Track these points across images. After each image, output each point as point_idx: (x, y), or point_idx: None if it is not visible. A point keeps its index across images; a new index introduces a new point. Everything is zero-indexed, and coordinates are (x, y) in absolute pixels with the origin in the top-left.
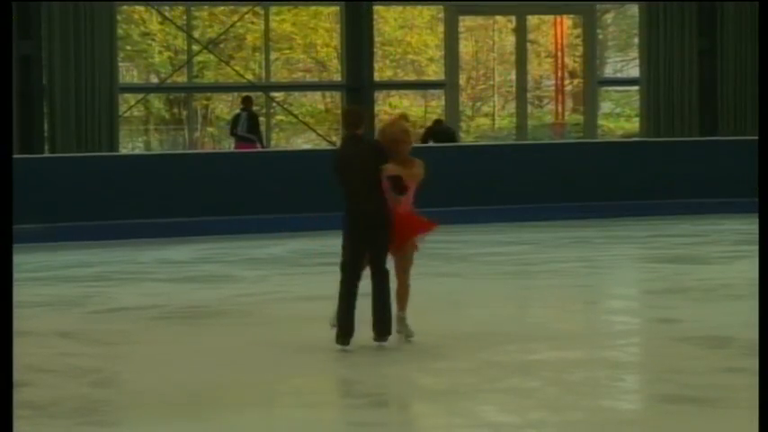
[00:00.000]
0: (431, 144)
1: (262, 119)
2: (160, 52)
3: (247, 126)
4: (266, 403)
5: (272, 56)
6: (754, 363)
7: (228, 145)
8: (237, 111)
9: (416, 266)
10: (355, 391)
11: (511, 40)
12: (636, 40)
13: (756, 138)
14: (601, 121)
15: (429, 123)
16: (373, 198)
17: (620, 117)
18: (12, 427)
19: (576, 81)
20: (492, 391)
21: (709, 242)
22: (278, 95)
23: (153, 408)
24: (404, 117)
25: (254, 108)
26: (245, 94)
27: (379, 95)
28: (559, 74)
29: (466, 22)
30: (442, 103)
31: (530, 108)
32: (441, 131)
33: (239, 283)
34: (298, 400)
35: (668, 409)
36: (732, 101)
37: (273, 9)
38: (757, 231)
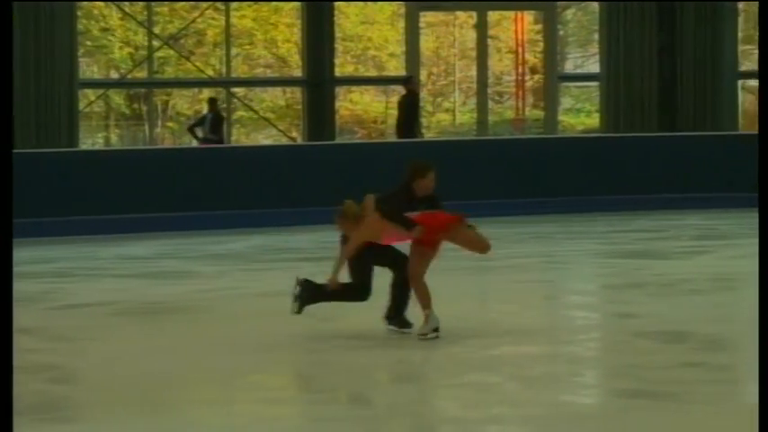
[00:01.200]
0: (391, 139)
1: (224, 114)
2: (120, 48)
3: (210, 127)
4: (225, 399)
5: (233, 51)
6: (711, 357)
7: (189, 140)
8: (204, 112)
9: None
10: (315, 386)
11: (472, 35)
12: (596, 36)
13: (715, 134)
14: (561, 117)
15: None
16: None
17: (580, 113)
18: (12, 427)
19: (536, 77)
20: (452, 387)
21: (667, 237)
22: (238, 91)
23: (112, 404)
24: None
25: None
26: (210, 95)
27: (340, 91)
28: (520, 69)
29: (427, 17)
30: None
31: (490, 104)
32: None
33: (198, 279)
34: (257, 396)
35: (627, 403)
36: (691, 97)
37: (234, 5)
38: (720, 226)
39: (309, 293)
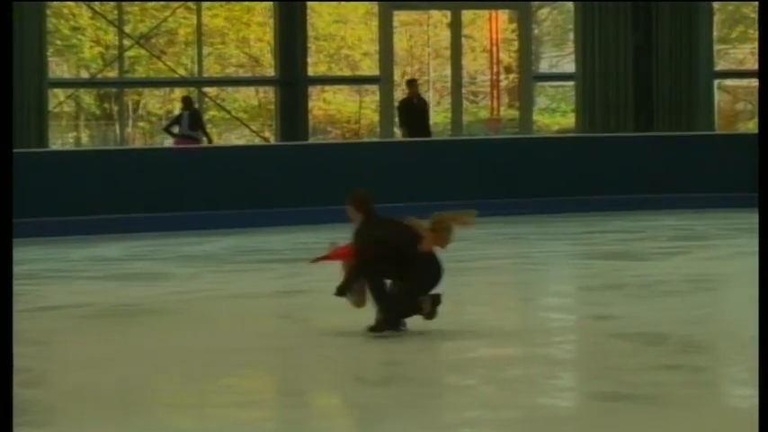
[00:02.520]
0: (365, 140)
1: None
2: (91, 47)
3: (188, 124)
4: (198, 403)
5: (205, 51)
6: (689, 359)
7: (160, 141)
8: (179, 111)
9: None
10: (288, 389)
11: (446, 34)
12: (571, 36)
13: (691, 133)
14: (536, 117)
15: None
16: None
17: (555, 112)
18: (12, 427)
19: (511, 76)
20: (427, 389)
21: (644, 238)
22: (210, 91)
23: (83, 408)
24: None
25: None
26: (183, 94)
27: (313, 90)
28: (495, 69)
29: (400, 16)
30: (377, 98)
31: (465, 103)
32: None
33: (171, 281)
34: (230, 400)
35: (604, 406)
36: (667, 97)
37: (205, 4)
38: (697, 227)
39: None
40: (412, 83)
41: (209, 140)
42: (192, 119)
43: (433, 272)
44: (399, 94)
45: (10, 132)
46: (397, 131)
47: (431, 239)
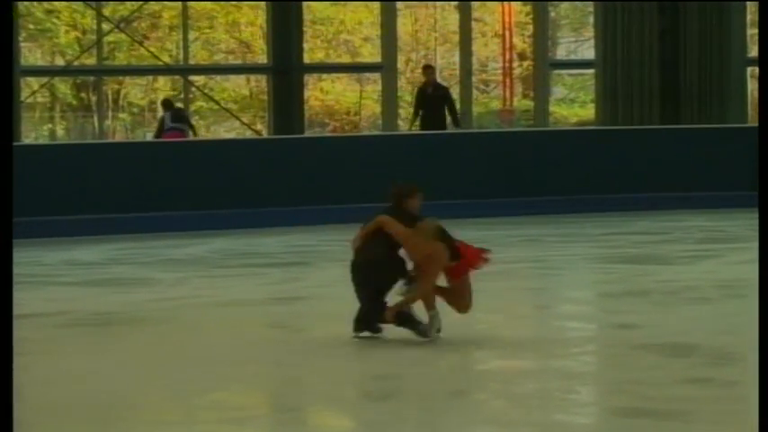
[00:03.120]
0: (366, 133)
1: (179, 104)
2: (66, 32)
3: (172, 118)
4: (185, 420)
5: (191, 36)
6: (719, 372)
7: (143, 134)
8: (161, 114)
9: (349, 268)
10: (281, 404)
11: (454, 18)
12: (591, 19)
13: (722, 126)
14: (553, 108)
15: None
16: None
17: (573, 103)
18: (12, 427)
19: (525, 64)
20: (434, 404)
21: (670, 240)
22: (197, 80)
23: (61, 426)
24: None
25: (176, 100)
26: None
27: (310, 79)
28: (507, 56)
29: None
30: (379, 87)
31: (475, 93)
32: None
33: (155, 287)
34: (219, 416)
35: (626, 423)
36: (696, 85)
37: None
38: (728, 228)
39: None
40: (426, 69)
41: (195, 133)
42: (175, 114)
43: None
44: (403, 82)
45: (10, 132)
46: (401, 123)
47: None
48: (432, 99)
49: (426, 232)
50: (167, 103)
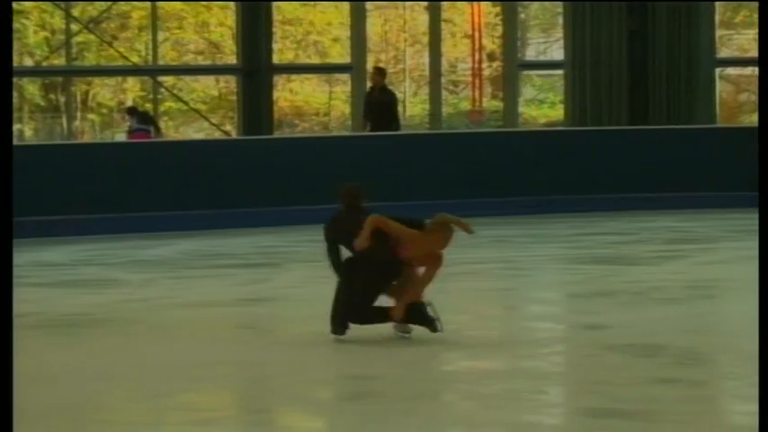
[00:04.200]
0: (335, 133)
1: (148, 105)
2: (35, 32)
3: (137, 120)
4: (154, 422)
5: (160, 36)
6: (687, 373)
7: (112, 135)
8: (127, 121)
9: (317, 269)
10: (249, 405)
11: (424, 19)
12: (560, 20)
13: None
14: (522, 108)
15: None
16: None
17: (542, 104)
18: (12, 427)
19: (495, 64)
20: (403, 405)
21: (639, 241)
22: (167, 80)
23: (29, 426)
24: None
25: (146, 101)
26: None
27: (279, 80)
28: (477, 56)
29: None
30: (348, 88)
31: (444, 94)
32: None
33: (123, 288)
34: (188, 418)
35: (595, 423)
36: (664, 87)
37: None
38: (696, 228)
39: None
40: (375, 72)
41: (160, 134)
42: (141, 117)
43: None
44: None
45: (10, 132)
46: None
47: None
48: (377, 104)
49: (441, 233)
50: (132, 111)
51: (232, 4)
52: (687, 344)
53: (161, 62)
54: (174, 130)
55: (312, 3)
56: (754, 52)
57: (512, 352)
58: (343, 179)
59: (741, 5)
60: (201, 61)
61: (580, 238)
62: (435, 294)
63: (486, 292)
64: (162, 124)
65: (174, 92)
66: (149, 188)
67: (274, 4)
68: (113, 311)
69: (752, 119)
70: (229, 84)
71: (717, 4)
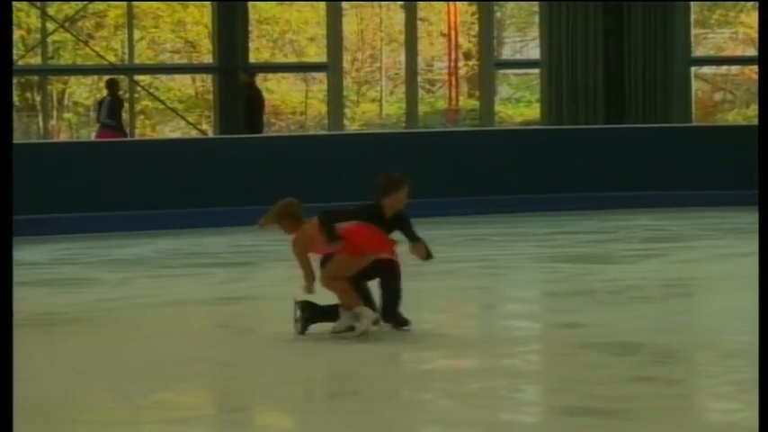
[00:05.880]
0: (312, 132)
1: (127, 104)
2: None
3: (107, 112)
4: (130, 420)
5: (137, 35)
6: (664, 371)
7: (88, 133)
8: (103, 96)
9: (295, 268)
10: (226, 404)
11: (400, 18)
12: (536, 19)
13: (667, 125)
14: (498, 107)
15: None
16: None
17: (519, 102)
18: (12, 427)
19: (471, 63)
20: (380, 404)
21: (616, 239)
22: (143, 79)
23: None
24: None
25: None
26: (108, 77)
27: (256, 79)
28: (453, 55)
29: None
30: (325, 87)
31: (420, 93)
32: None
33: (100, 287)
34: (164, 416)
35: (572, 421)
36: (640, 85)
37: None
38: (672, 227)
39: (311, 314)
40: (244, 73)
41: (124, 133)
42: (111, 105)
43: None
44: (349, 81)
45: (10, 132)
46: (347, 123)
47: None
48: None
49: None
50: (112, 85)
51: (208, 3)
52: (664, 342)
53: (137, 61)
54: (150, 129)
55: (288, 2)
56: (729, 51)
57: (489, 350)
58: (320, 178)
59: (716, 5)
60: (178, 60)
61: (557, 237)
62: (412, 293)
63: (464, 291)
64: (138, 123)
65: (151, 91)
66: (126, 187)
67: (250, 3)
68: (90, 310)
69: (727, 117)
70: (206, 82)
71: (692, 3)
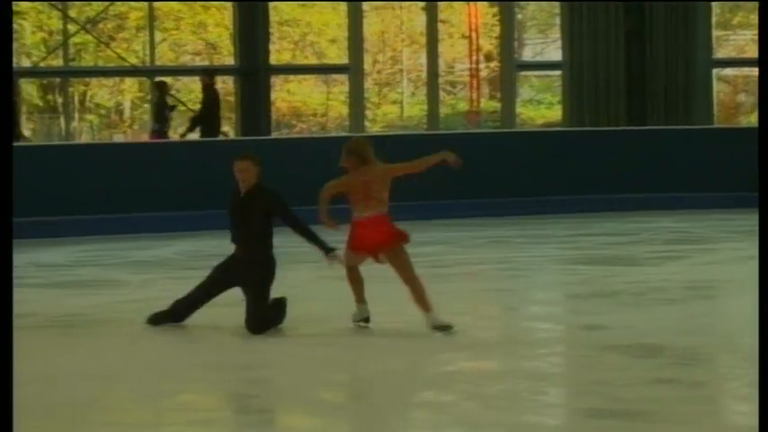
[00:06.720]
0: (333, 134)
1: (146, 105)
2: (33, 33)
3: (155, 116)
4: (152, 422)
5: (158, 37)
6: (686, 373)
7: (109, 135)
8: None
9: (319, 270)
10: (250, 406)
11: (421, 19)
12: (557, 20)
13: (689, 127)
14: (519, 109)
15: None
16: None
17: (540, 104)
18: (12, 427)
19: (492, 65)
20: (402, 406)
21: (637, 241)
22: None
23: (27, 427)
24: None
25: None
26: (158, 79)
27: (276, 80)
28: (474, 57)
29: None
30: (346, 89)
31: (442, 94)
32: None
33: (122, 289)
34: (188, 418)
35: (595, 424)
36: (662, 87)
37: None
38: (695, 229)
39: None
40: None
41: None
42: (158, 109)
43: None
44: (370, 83)
45: (11, 132)
46: (368, 125)
47: None
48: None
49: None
50: (158, 88)
51: (229, 4)
52: (686, 344)
53: (158, 63)
54: (171, 131)
55: (309, 3)
56: (751, 53)
57: (511, 352)
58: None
59: (738, 6)
60: (199, 62)
61: (578, 239)
62: (434, 295)
63: (486, 293)
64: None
65: (172, 93)
66: (148, 188)
67: (271, 4)
68: (111, 312)
69: (749, 119)
70: (227, 84)
71: (714, 4)
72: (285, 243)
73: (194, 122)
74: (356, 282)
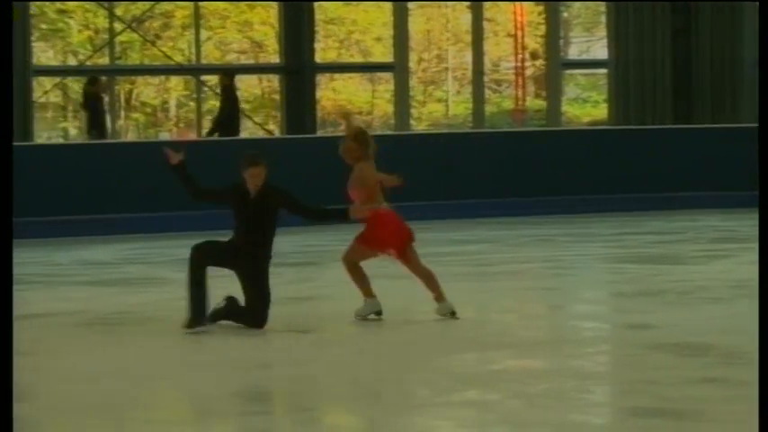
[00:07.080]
0: (378, 132)
1: (191, 104)
2: (79, 31)
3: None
4: (197, 420)
5: (203, 35)
6: (733, 372)
7: (155, 133)
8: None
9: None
10: (294, 404)
11: (466, 17)
12: (603, 19)
13: (735, 126)
14: (565, 108)
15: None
16: None
17: (586, 103)
18: (12, 427)
19: (537, 63)
20: (447, 405)
21: (683, 240)
22: (210, 79)
23: (72, 425)
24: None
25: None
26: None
27: (322, 79)
28: (519, 55)
29: None
30: (391, 87)
31: (487, 93)
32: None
33: (168, 287)
34: (233, 414)
35: (641, 423)
36: (708, 84)
37: None
38: (741, 228)
39: (228, 310)
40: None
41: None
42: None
43: None
44: (415, 81)
45: (11, 131)
46: (413, 123)
47: None
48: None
49: None
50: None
51: (275, 3)
52: (733, 343)
53: (204, 61)
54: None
55: (355, 2)
56: None
57: (557, 351)
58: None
59: None
60: (244, 60)
61: (624, 238)
62: (480, 294)
63: (531, 292)
64: (204, 124)
65: (217, 91)
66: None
67: (317, 3)
68: (157, 310)
69: None
70: (272, 83)
71: (759, 3)
72: (324, 241)
73: (216, 124)
74: (362, 277)
